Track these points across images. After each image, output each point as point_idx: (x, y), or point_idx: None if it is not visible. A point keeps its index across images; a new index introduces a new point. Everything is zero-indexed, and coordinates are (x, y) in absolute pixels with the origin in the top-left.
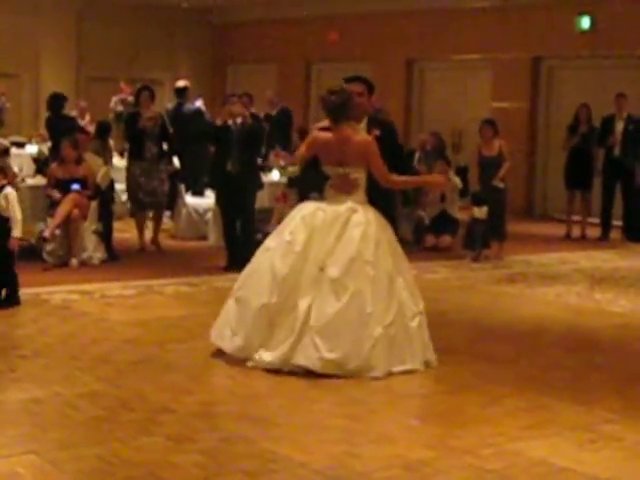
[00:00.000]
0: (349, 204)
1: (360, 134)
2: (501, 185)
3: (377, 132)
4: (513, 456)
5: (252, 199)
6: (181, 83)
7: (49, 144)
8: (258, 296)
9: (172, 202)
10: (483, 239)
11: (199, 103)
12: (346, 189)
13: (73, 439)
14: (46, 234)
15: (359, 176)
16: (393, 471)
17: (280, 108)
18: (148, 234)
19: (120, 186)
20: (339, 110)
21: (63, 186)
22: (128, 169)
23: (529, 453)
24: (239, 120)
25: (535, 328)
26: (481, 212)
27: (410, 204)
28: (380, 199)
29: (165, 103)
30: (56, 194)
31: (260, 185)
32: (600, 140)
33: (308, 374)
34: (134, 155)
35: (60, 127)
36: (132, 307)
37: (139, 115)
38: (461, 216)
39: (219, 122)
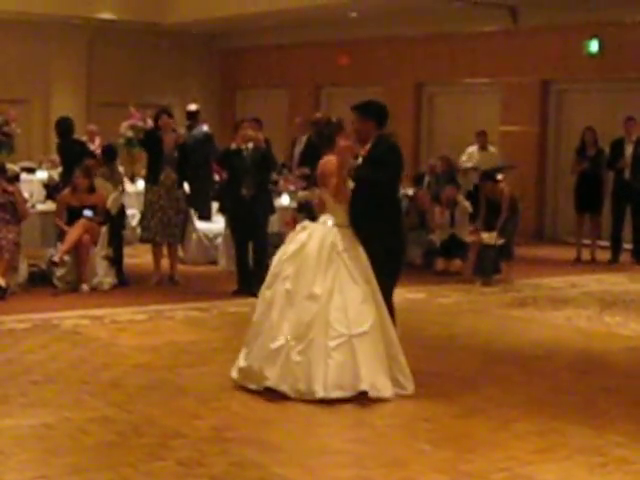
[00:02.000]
0: (304, 223)
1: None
2: (500, 242)
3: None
4: None
5: (265, 223)
6: (193, 107)
7: (60, 170)
8: None
9: (182, 228)
10: (494, 264)
11: (205, 128)
12: (320, 209)
13: (84, 464)
14: (55, 258)
15: (326, 197)
16: None
17: (309, 135)
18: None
19: (131, 211)
20: (317, 139)
21: (75, 213)
22: (145, 195)
23: (540, 477)
24: (250, 145)
25: (545, 352)
26: (490, 237)
27: (418, 228)
28: (368, 223)
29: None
30: (63, 226)
31: (272, 210)
32: (610, 163)
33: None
34: (150, 180)
35: (71, 152)
36: (142, 332)
37: (159, 137)
38: (469, 240)
39: (233, 146)
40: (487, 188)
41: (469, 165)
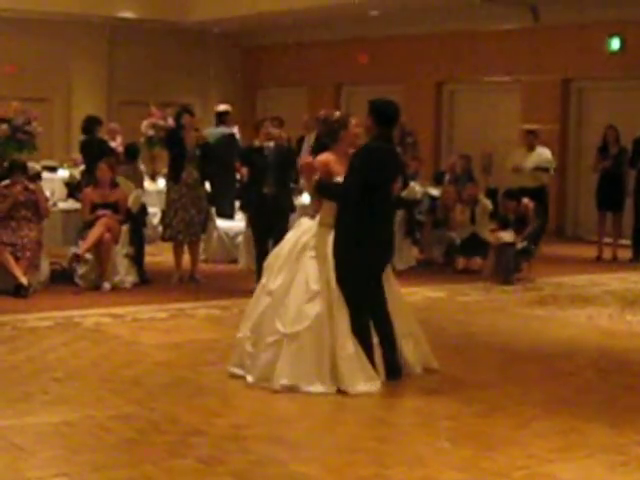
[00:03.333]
0: (301, 220)
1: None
2: (522, 245)
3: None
4: (544, 479)
5: (286, 221)
6: (222, 107)
7: (81, 168)
8: None
9: (204, 226)
10: (514, 262)
11: (235, 130)
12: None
13: (105, 461)
14: (78, 252)
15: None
16: None
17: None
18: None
19: (152, 210)
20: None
21: (97, 210)
22: (167, 193)
23: (560, 475)
24: (271, 143)
25: (566, 350)
26: (507, 235)
27: (441, 226)
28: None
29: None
30: (92, 216)
31: (292, 208)
32: (632, 162)
33: (336, 395)
34: (172, 179)
35: (94, 150)
36: (164, 330)
37: (181, 135)
38: (490, 239)
39: (256, 144)
40: (511, 207)
41: (509, 166)
